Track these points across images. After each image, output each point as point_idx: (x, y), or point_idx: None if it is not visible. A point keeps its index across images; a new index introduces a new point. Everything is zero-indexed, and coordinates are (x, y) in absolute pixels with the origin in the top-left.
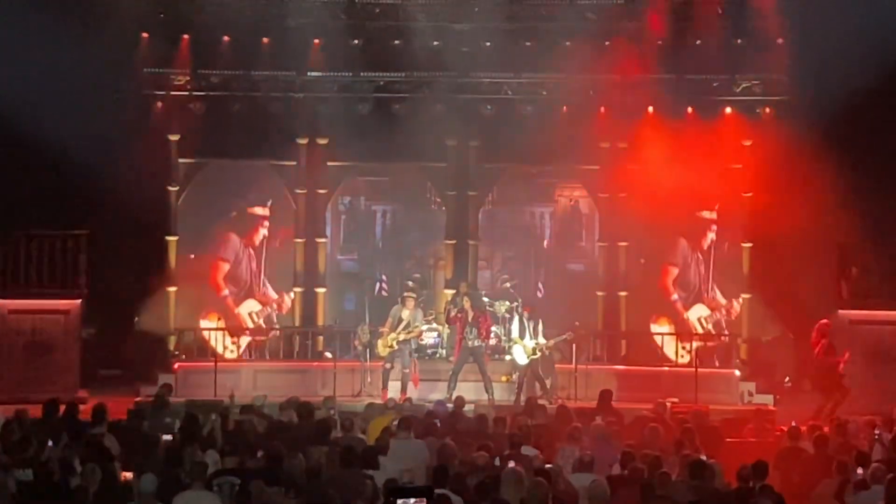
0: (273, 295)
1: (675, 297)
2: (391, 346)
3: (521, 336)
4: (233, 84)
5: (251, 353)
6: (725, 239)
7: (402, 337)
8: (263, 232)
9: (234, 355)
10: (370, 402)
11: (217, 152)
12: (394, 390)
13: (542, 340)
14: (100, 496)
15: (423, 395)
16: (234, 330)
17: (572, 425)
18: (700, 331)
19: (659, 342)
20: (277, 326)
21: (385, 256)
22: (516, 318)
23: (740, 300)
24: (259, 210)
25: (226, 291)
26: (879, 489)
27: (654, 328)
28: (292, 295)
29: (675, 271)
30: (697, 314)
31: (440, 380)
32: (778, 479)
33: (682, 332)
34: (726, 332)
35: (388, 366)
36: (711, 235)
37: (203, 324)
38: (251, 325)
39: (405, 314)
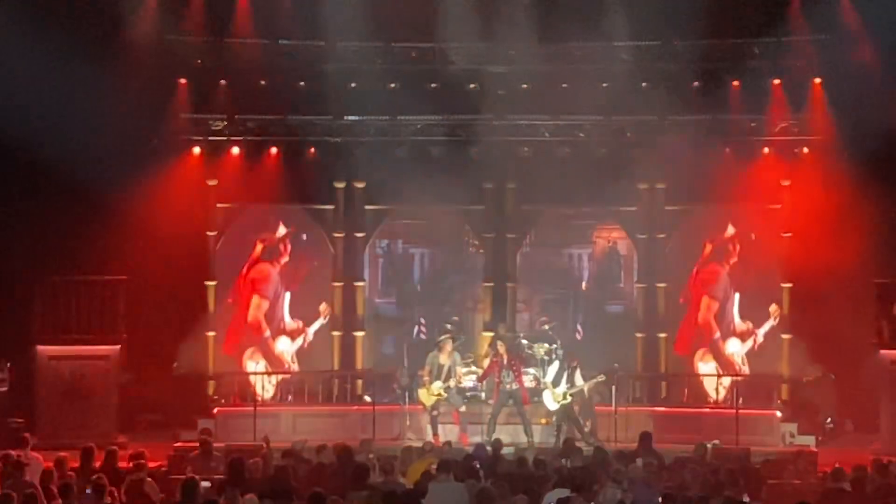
0: (293, 323)
1: (717, 334)
2: (438, 395)
3: (556, 383)
4: (270, 129)
5: (283, 394)
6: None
7: (451, 384)
8: (287, 254)
9: (270, 395)
10: (407, 446)
11: (255, 197)
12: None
13: (579, 383)
14: None
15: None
16: (275, 370)
17: (614, 467)
18: (737, 366)
19: (704, 380)
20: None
21: (423, 299)
22: (556, 363)
23: (765, 328)
24: (282, 230)
25: (267, 332)
26: None
27: (701, 366)
28: (315, 328)
29: (716, 305)
30: (731, 350)
31: (480, 422)
32: None
33: (726, 369)
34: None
35: (434, 413)
36: (735, 256)
37: (248, 365)
38: (288, 364)
39: (443, 359)
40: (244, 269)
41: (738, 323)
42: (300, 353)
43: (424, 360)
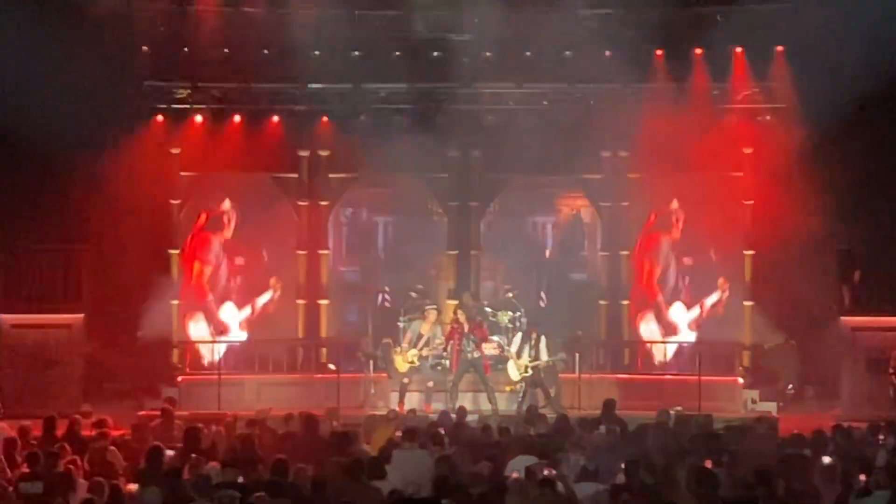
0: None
1: (660, 297)
2: (412, 363)
3: (519, 354)
4: (233, 97)
5: (235, 361)
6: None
7: (424, 353)
8: (233, 224)
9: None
10: (371, 414)
11: (218, 165)
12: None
13: (543, 353)
14: None
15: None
16: (219, 336)
17: (577, 434)
18: (681, 329)
19: (649, 345)
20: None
21: (387, 268)
22: (519, 334)
23: (712, 299)
24: (226, 204)
25: (210, 297)
26: (882, 494)
27: (642, 327)
28: (264, 299)
29: (657, 270)
30: (675, 314)
31: (444, 390)
32: (783, 486)
33: (664, 331)
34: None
35: (406, 381)
36: (677, 230)
37: (191, 328)
38: (233, 330)
39: (425, 328)
40: (188, 238)
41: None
42: (259, 322)
43: (389, 328)
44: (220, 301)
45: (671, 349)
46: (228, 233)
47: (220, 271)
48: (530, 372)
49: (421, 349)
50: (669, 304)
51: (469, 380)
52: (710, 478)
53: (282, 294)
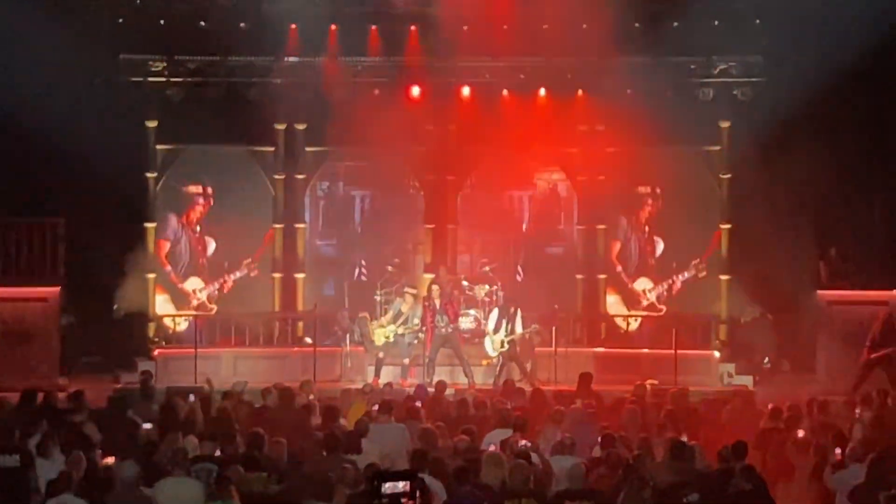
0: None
1: (619, 268)
2: (387, 338)
3: (496, 329)
4: (210, 70)
5: (197, 332)
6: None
7: (400, 330)
8: (199, 209)
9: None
10: (347, 388)
11: (195, 138)
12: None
13: (519, 328)
14: (80, 483)
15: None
16: (180, 305)
17: (554, 408)
18: (644, 302)
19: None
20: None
21: (364, 241)
22: (496, 310)
23: (684, 276)
24: (193, 188)
25: (169, 268)
26: (857, 468)
27: (607, 299)
28: (235, 276)
29: (617, 246)
30: (641, 286)
31: (420, 364)
32: (759, 460)
33: (627, 303)
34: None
35: (381, 355)
36: (644, 215)
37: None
38: (195, 302)
39: (405, 307)
40: None
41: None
42: (235, 296)
43: (366, 301)
44: (185, 276)
45: (636, 321)
46: (195, 215)
47: (179, 247)
48: (507, 347)
49: (399, 326)
50: (634, 278)
51: (445, 354)
52: (685, 451)
53: (258, 271)
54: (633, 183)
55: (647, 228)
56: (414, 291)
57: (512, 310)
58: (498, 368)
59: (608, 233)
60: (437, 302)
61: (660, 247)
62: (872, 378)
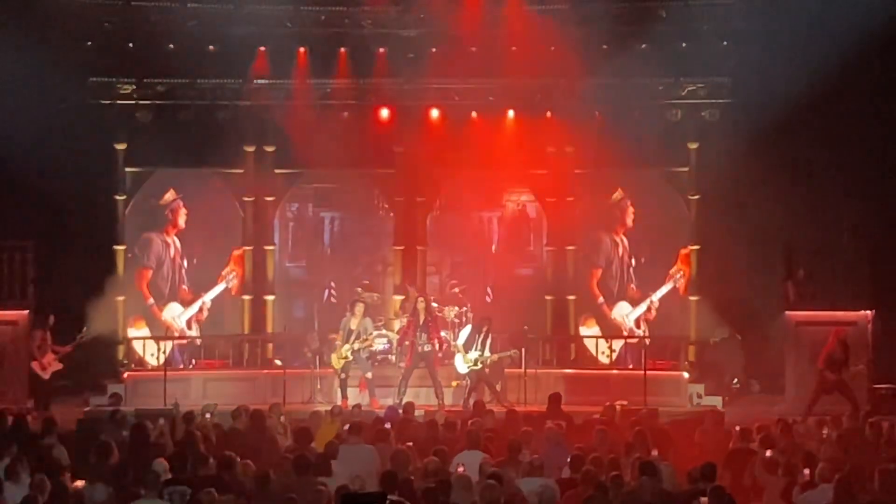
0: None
1: (601, 300)
2: (345, 357)
3: (468, 348)
4: (179, 92)
5: (179, 358)
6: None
7: (356, 346)
8: (183, 213)
9: (159, 362)
10: (315, 410)
11: (164, 161)
12: (352, 399)
13: (487, 353)
14: None
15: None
16: (162, 337)
17: (522, 429)
18: (625, 329)
19: (588, 344)
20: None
21: (333, 263)
22: (468, 327)
23: (662, 292)
24: (168, 196)
25: (151, 300)
26: (826, 488)
27: (583, 330)
28: (213, 294)
29: (598, 273)
30: (620, 312)
31: (391, 385)
32: (728, 480)
33: (607, 334)
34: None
35: (342, 376)
36: (629, 219)
37: (130, 332)
38: (176, 331)
39: (353, 324)
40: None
41: (632, 287)
42: (205, 319)
43: (335, 323)
44: (167, 301)
45: (618, 349)
46: (175, 226)
47: (162, 270)
48: (478, 366)
49: (352, 343)
50: (614, 304)
51: (416, 374)
52: (656, 471)
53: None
54: (607, 201)
55: (626, 240)
56: (361, 302)
57: (485, 329)
58: (467, 389)
59: (577, 254)
60: (422, 317)
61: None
62: (829, 399)
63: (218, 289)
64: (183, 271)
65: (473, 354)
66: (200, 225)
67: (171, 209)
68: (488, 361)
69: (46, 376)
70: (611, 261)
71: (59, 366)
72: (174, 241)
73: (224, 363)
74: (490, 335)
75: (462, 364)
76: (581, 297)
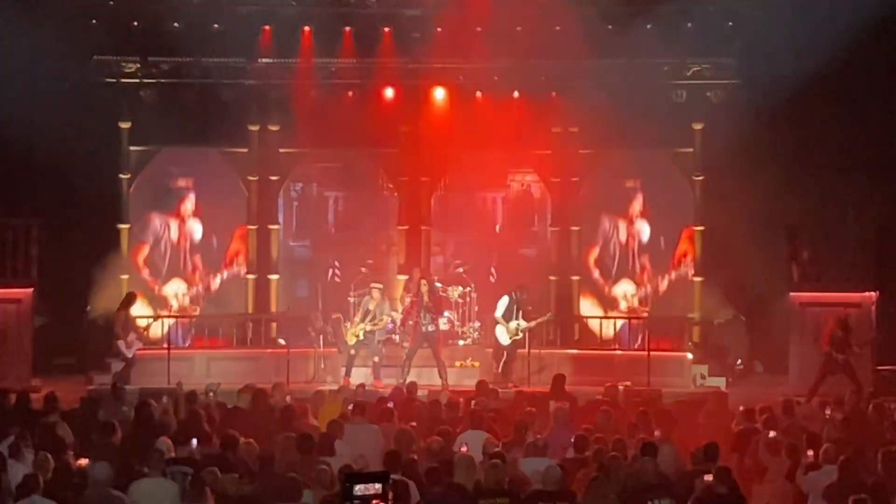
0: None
1: (595, 273)
2: (357, 336)
3: (507, 318)
4: (183, 71)
5: (179, 335)
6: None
7: (368, 327)
8: (189, 204)
9: (159, 334)
10: (318, 389)
11: (168, 140)
12: (357, 378)
13: (522, 322)
14: (52, 485)
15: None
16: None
17: (527, 409)
18: (623, 306)
19: (590, 321)
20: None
21: (338, 243)
22: (505, 299)
23: (670, 277)
24: (181, 182)
25: (146, 273)
26: (830, 469)
27: (581, 304)
28: (221, 277)
29: (595, 250)
30: (622, 290)
31: (394, 365)
32: (732, 461)
33: (607, 309)
34: (646, 310)
35: (352, 352)
36: (637, 205)
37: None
38: (175, 306)
39: (371, 305)
40: None
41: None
42: (212, 297)
43: (339, 303)
44: (167, 279)
45: (617, 326)
46: (184, 210)
47: (160, 248)
48: (520, 335)
49: (368, 323)
50: (615, 282)
51: (420, 355)
52: (657, 451)
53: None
54: (612, 181)
55: (635, 226)
56: (380, 286)
57: (523, 297)
58: (502, 361)
59: (581, 235)
60: (426, 297)
61: (646, 233)
62: (831, 379)
63: (228, 273)
64: (187, 254)
65: (514, 324)
66: (204, 204)
67: (179, 196)
68: (533, 326)
69: (130, 354)
70: (608, 240)
71: (141, 344)
72: (178, 225)
73: (228, 342)
74: (526, 304)
75: (504, 335)
76: (584, 276)
